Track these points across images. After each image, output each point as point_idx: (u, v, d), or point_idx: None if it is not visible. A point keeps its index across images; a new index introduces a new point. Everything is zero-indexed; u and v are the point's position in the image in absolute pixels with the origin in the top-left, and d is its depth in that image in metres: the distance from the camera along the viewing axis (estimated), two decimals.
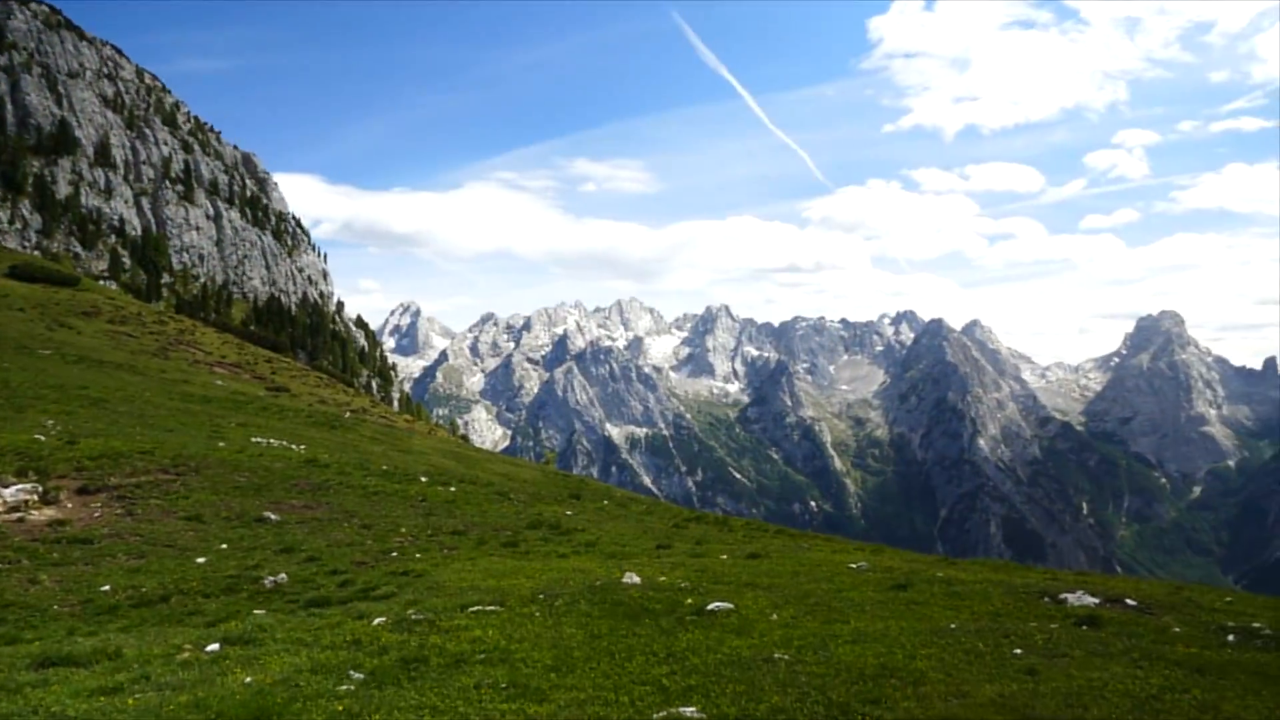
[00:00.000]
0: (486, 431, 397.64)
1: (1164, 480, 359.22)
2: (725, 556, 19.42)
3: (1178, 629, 11.74)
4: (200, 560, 18.26)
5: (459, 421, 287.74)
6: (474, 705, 7.78)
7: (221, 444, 33.70)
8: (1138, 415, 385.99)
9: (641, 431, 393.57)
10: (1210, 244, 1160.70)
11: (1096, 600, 13.44)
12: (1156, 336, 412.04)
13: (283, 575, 17.05)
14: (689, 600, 12.67)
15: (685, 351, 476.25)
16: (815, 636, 10.30)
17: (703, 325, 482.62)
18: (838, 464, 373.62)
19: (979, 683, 7.78)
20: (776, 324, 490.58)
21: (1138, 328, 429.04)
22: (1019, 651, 9.05)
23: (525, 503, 30.27)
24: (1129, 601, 13.46)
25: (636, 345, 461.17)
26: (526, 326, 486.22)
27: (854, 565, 17.71)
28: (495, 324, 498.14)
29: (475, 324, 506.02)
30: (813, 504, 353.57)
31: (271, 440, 37.67)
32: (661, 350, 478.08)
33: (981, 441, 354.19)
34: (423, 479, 32.26)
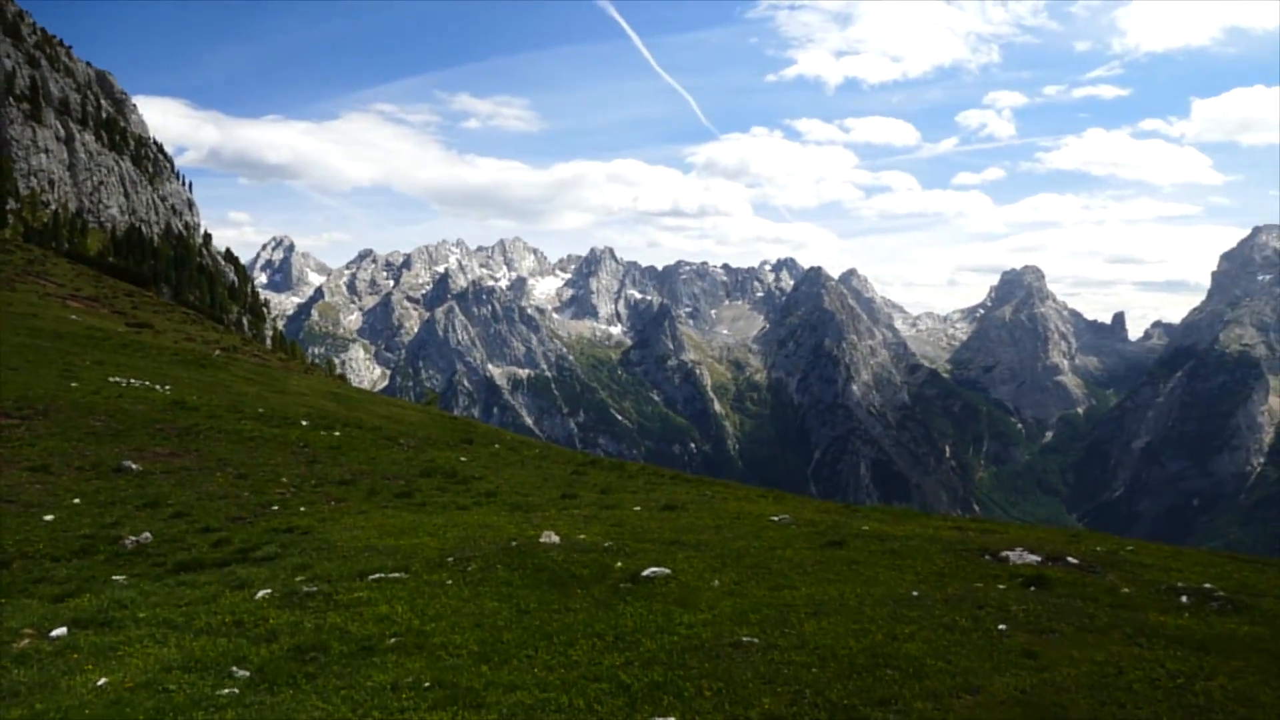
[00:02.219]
0: (365, 371, 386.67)
1: (1020, 425, 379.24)
2: (639, 508, 18.32)
3: (1126, 589, 11.24)
4: (48, 518, 15.95)
5: (336, 361, 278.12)
6: (394, 716, 6.37)
7: (74, 384, 30.55)
8: (999, 364, 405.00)
9: (524, 372, 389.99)
10: (1069, 204, 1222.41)
11: (1038, 558, 12.92)
12: (1018, 290, 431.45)
13: (146, 534, 15.00)
14: (619, 564, 11.46)
15: (569, 293, 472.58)
16: (770, 608, 9.26)
17: (586, 267, 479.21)
18: (717, 407, 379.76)
19: (987, 673, 6.89)
20: (660, 268, 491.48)
21: (1002, 281, 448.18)
22: (1003, 627, 8.21)
23: (416, 448, 28.45)
24: (1070, 560, 12.98)
25: (520, 286, 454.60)
26: (407, 264, 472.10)
27: (776, 518, 16.88)
28: (374, 261, 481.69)
29: (353, 260, 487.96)
30: (692, 445, 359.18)
31: (132, 380, 34.52)
32: (545, 291, 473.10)
33: (855, 387, 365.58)
34: (303, 423, 30.01)
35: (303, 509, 17.75)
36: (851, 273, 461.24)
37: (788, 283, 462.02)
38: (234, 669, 7.48)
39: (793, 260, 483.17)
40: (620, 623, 8.57)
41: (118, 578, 12.41)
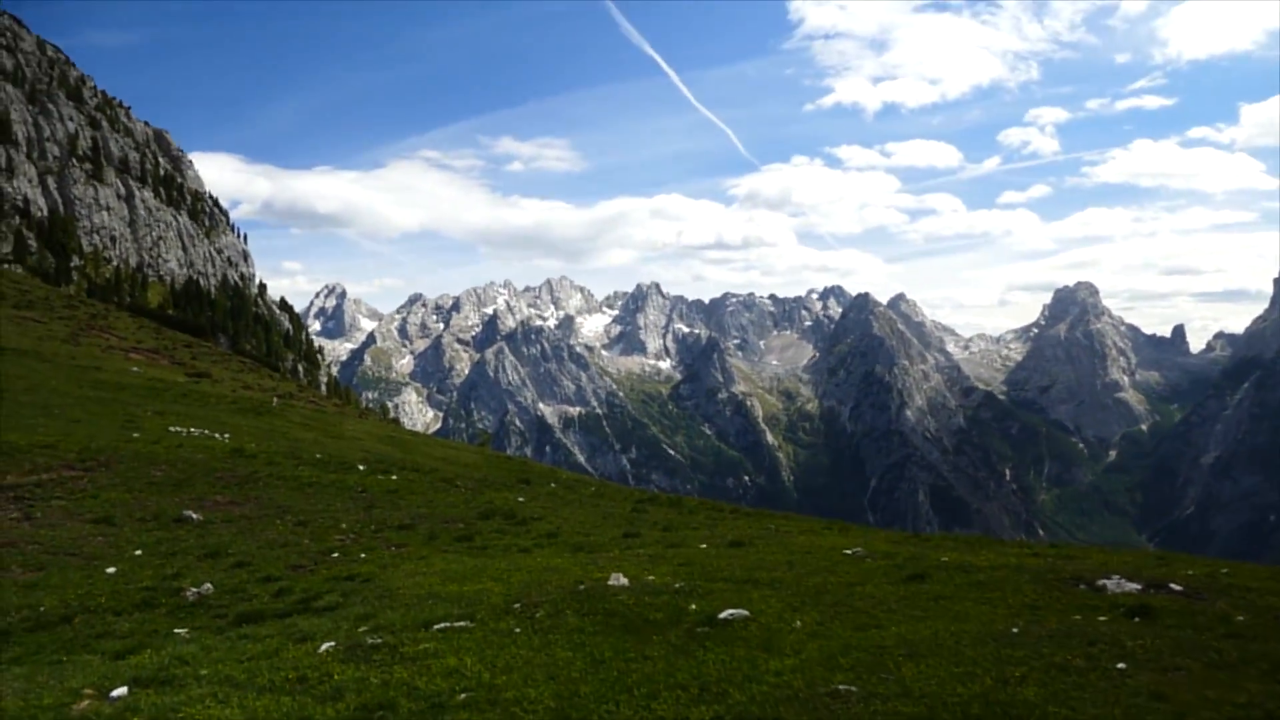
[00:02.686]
0: (418, 414, 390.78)
1: (1081, 445, 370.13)
2: (704, 546, 17.73)
3: (1241, 618, 10.41)
4: (110, 570, 15.86)
5: (389, 405, 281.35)
6: None
7: (136, 435, 30.86)
8: (1056, 383, 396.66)
9: (575, 410, 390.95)
10: (1119, 217, 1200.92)
11: (1138, 586, 12.10)
12: (1072, 307, 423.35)
13: (207, 585, 14.80)
14: (693, 606, 10.91)
15: (616, 330, 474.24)
16: (861, 651, 8.65)
17: (633, 303, 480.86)
18: (769, 438, 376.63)
19: None
20: (706, 301, 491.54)
21: (1055, 299, 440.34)
22: (1123, 666, 7.52)
23: (473, 490, 28.18)
24: (1174, 586, 12.15)
25: (568, 324, 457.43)
26: (455, 307, 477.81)
27: (849, 551, 16.19)
28: (423, 305, 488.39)
29: (403, 305, 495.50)
30: (746, 478, 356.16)
31: (192, 429, 34.85)
32: (593, 329, 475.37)
33: (908, 412, 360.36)
34: (360, 467, 29.94)
35: (363, 555, 17.47)
36: (900, 297, 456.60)
37: (835, 310, 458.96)
38: None
39: (840, 288, 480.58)
40: (703, 671, 8.03)
41: (179, 631, 12.17)
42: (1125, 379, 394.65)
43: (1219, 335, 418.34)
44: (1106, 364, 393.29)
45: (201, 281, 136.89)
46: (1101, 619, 10.62)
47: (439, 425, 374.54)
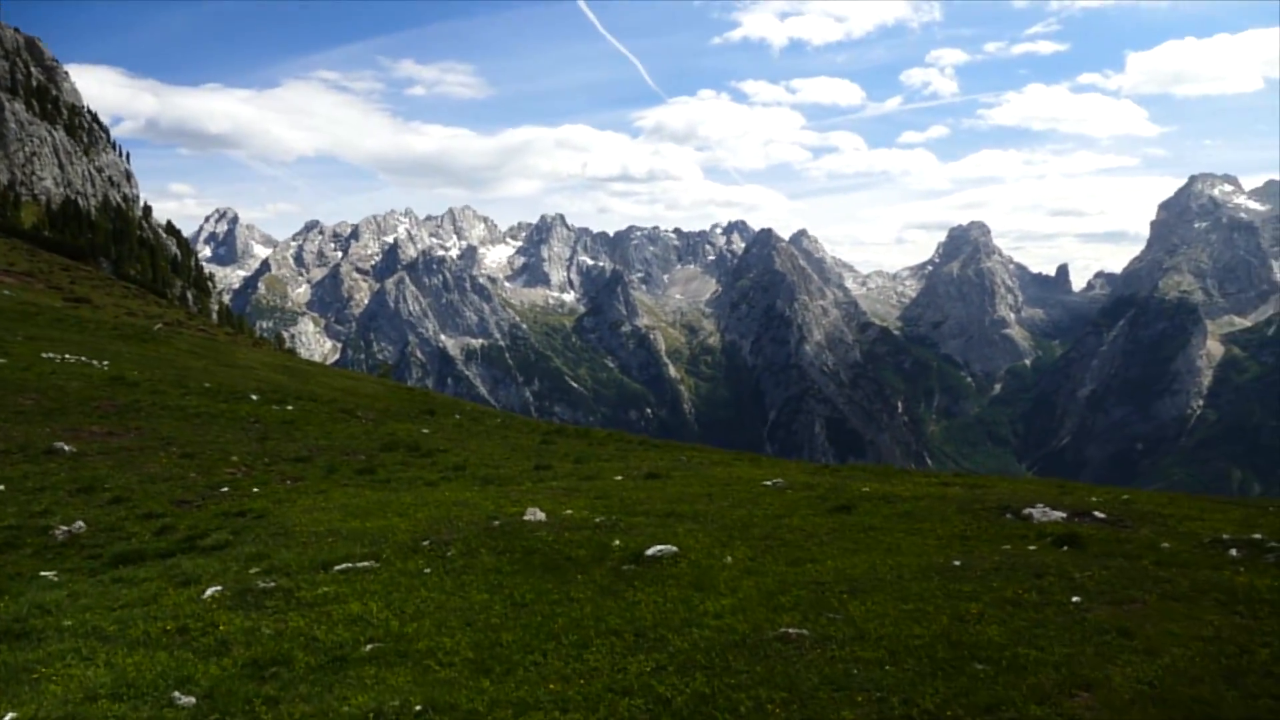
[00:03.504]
0: (315, 344, 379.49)
1: (969, 379, 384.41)
2: (620, 478, 17.13)
3: (1167, 544, 10.33)
4: None
5: (285, 334, 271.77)
6: None
7: (2, 360, 28.48)
8: (948, 319, 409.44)
9: (477, 342, 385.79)
10: (1011, 159, 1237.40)
11: (1063, 514, 11.99)
12: (965, 246, 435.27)
13: (79, 523, 13.46)
14: (616, 542, 10.26)
15: (520, 261, 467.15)
16: (800, 588, 8.14)
17: (537, 234, 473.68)
18: (672, 371, 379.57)
19: (1091, 661, 5.83)
20: (611, 233, 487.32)
21: (949, 237, 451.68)
22: (1078, 599, 7.16)
23: (375, 421, 26.94)
24: (1097, 514, 12.08)
25: (470, 255, 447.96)
26: (354, 235, 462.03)
27: (769, 482, 15.80)
28: (321, 232, 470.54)
29: (299, 232, 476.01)
30: (648, 410, 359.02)
31: (67, 356, 32.43)
32: (496, 260, 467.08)
33: (807, 347, 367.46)
34: (253, 397, 28.29)
35: (256, 490, 16.28)
36: (802, 233, 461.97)
37: (739, 245, 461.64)
38: (176, 694, 6.14)
39: (743, 223, 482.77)
40: (636, 614, 7.38)
41: (46, 574, 10.93)
42: (1012, 316, 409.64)
43: (1099, 274, 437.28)
44: (995, 301, 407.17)
45: (80, 202, 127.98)
46: (1032, 548, 10.41)
47: (338, 356, 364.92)
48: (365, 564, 9.62)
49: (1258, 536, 10.28)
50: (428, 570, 9.31)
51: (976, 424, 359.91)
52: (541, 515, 11.78)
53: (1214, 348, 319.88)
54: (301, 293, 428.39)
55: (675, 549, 9.67)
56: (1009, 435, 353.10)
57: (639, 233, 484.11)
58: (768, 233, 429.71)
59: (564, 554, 9.72)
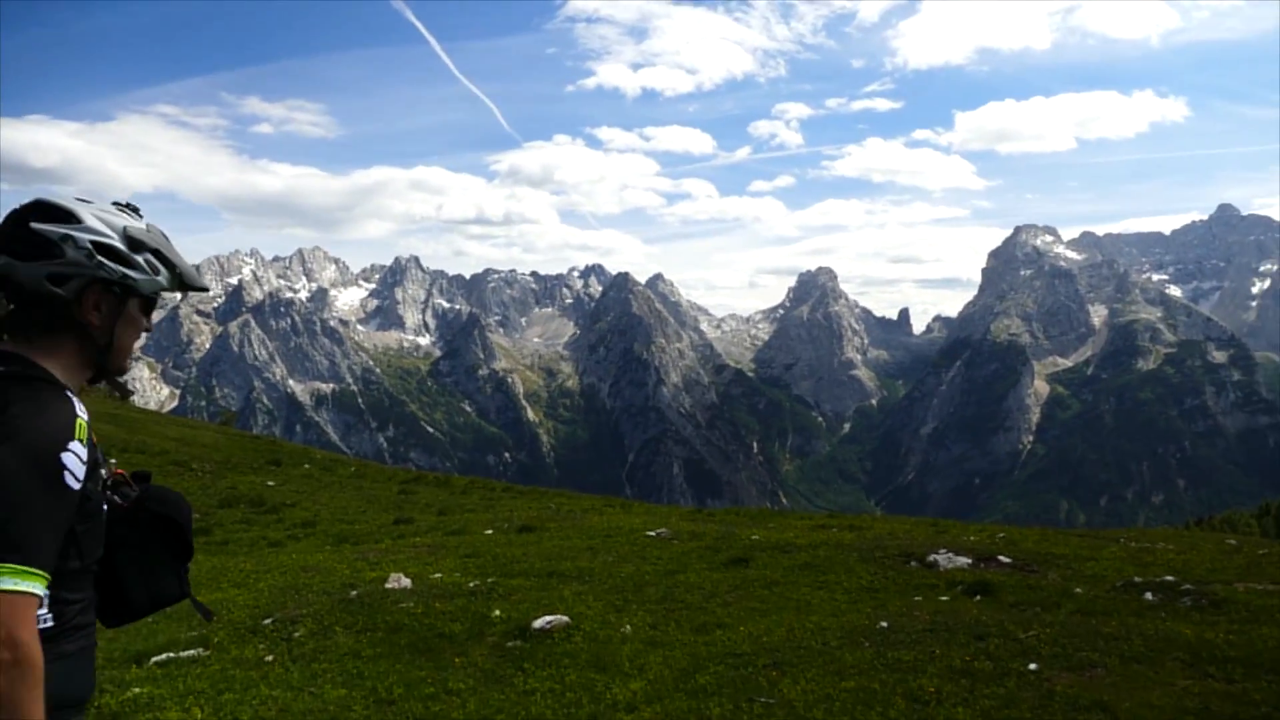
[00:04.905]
0: (151, 391, 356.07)
1: (820, 419, 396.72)
2: (490, 531, 15.72)
3: (1079, 589, 9.88)
4: None
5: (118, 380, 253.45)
6: None
7: None
8: (799, 361, 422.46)
9: (328, 387, 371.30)
10: (854, 208, 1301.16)
11: (969, 560, 11.43)
12: (814, 290, 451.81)
13: None
14: (496, 612, 8.92)
15: (374, 304, 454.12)
16: (716, 663, 7.07)
17: (391, 277, 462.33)
18: (530, 414, 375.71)
19: None
20: (468, 276, 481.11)
21: (798, 282, 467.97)
22: (1034, 667, 6.36)
23: (213, 473, 24.48)
24: (1002, 559, 11.58)
25: (321, 297, 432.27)
26: None
27: (652, 533, 14.73)
28: None
29: None
30: (507, 455, 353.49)
31: None
32: (348, 302, 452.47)
33: (665, 389, 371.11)
34: None
35: None
36: (658, 277, 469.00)
37: (596, 289, 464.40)
38: None
39: (600, 266, 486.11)
40: (532, 711, 6.09)
41: None
42: (859, 357, 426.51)
43: (937, 318, 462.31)
44: (843, 344, 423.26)
45: None
46: (945, 598, 9.75)
47: (176, 403, 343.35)
48: (191, 652, 7.95)
49: (1170, 579, 9.93)
50: (270, 658, 7.74)
51: (829, 462, 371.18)
52: (406, 581, 10.31)
53: (1040, 387, 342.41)
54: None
55: (566, 618, 8.44)
56: (859, 472, 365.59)
57: (496, 275, 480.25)
58: (624, 276, 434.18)
59: (436, 630, 8.33)
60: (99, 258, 2.24)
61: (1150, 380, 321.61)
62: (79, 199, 2.31)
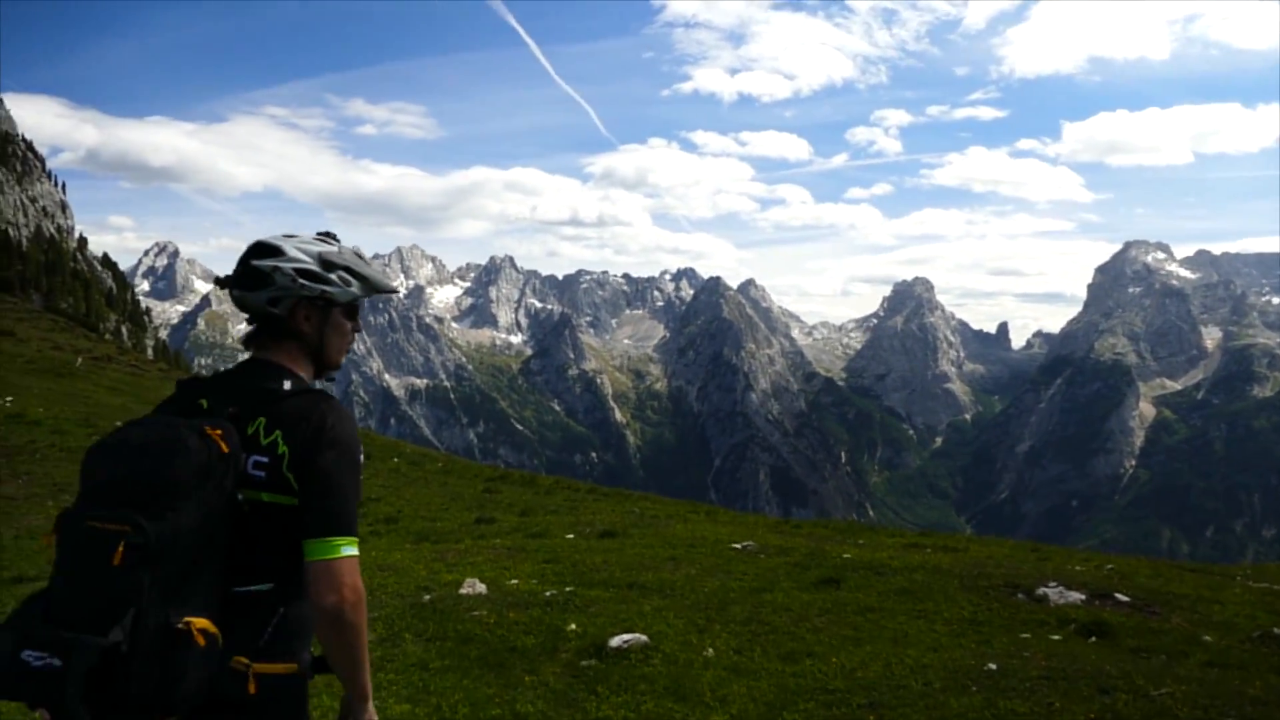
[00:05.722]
0: None
1: (911, 431, 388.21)
2: (571, 536, 15.36)
3: (1208, 638, 8.95)
4: None
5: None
6: None
7: None
8: (891, 372, 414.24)
9: (422, 383, 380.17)
10: (953, 218, 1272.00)
11: (1083, 597, 10.54)
12: (909, 301, 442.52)
13: None
14: (572, 626, 8.50)
15: (468, 302, 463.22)
16: (805, 698, 6.50)
17: (486, 276, 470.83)
18: (618, 416, 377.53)
19: None
20: (560, 277, 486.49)
21: (894, 292, 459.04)
22: None
23: None
24: (1120, 597, 10.65)
25: (417, 294, 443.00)
26: None
27: (738, 545, 14.15)
28: None
29: None
30: (593, 454, 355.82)
31: None
32: (443, 300, 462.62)
33: (753, 395, 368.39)
34: None
35: None
36: (749, 283, 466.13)
37: (687, 292, 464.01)
38: None
39: (692, 270, 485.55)
40: None
41: None
42: (953, 370, 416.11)
43: (1038, 334, 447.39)
44: (938, 356, 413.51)
45: (11, 232, 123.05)
46: (1056, 638, 8.94)
47: None
48: None
49: None
50: None
51: (918, 476, 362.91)
52: (482, 587, 9.98)
53: (1146, 409, 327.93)
54: (243, 330, 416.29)
55: (645, 638, 7.96)
56: (949, 488, 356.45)
57: (588, 277, 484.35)
58: (716, 280, 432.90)
59: (508, 643, 7.94)
60: (300, 280, 2.85)
61: (1266, 408, 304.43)
62: (285, 235, 2.93)
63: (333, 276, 2.92)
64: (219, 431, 2.54)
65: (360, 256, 3.01)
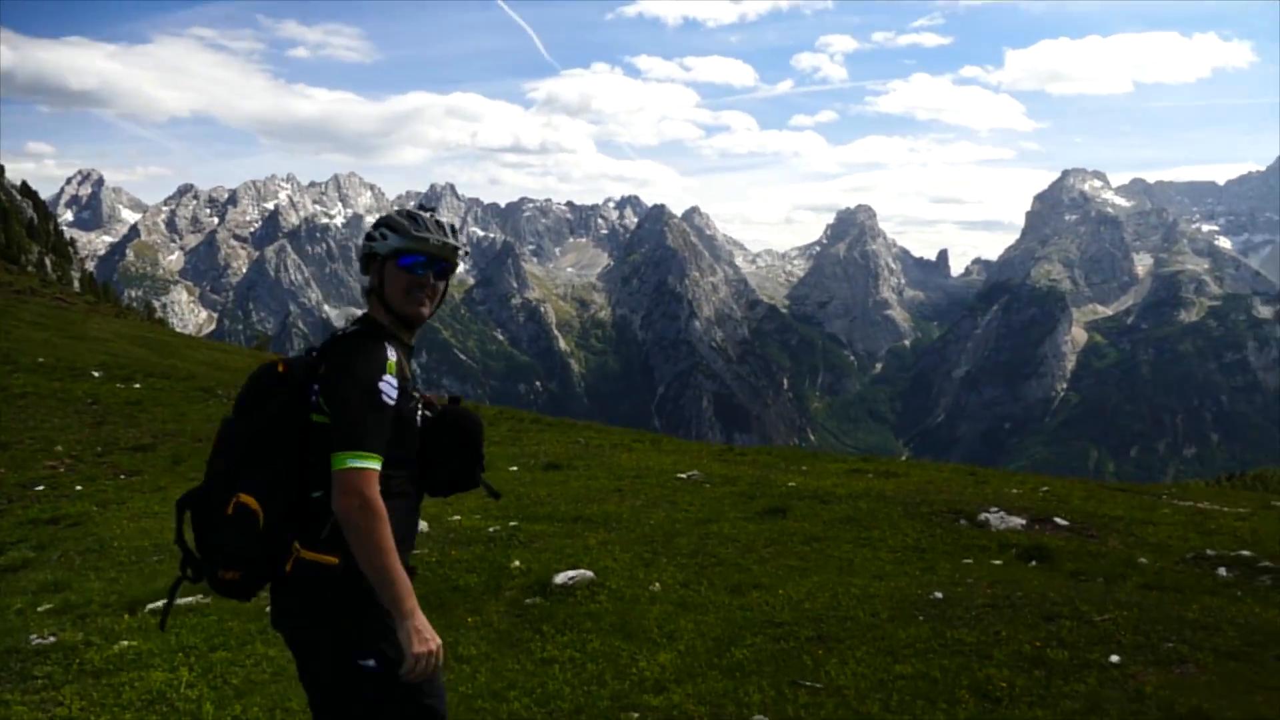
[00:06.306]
0: (189, 314, 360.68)
1: (852, 358, 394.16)
2: (515, 468, 15.17)
3: (1144, 559, 9.11)
4: None
5: (156, 304, 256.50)
6: None
7: None
8: (834, 299, 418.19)
9: (362, 313, 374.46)
10: (896, 146, 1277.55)
11: (1023, 521, 10.67)
12: (852, 228, 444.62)
13: None
14: (516, 562, 8.33)
15: None
16: (754, 632, 6.43)
17: (426, 204, 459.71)
18: (562, 344, 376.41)
19: None
20: (503, 205, 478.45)
21: (837, 219, 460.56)
22: (1117, 659, 5.60)
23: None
24: (1058, 521, 10.82)
25: (356, 223, 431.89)
26: (232, 201, 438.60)
27: (684, 475, 14.11)
28: (196, 197, 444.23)
29: (172, 196, 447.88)
30: (537, 384, 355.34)
31: None
32: None
33: (697, 323, 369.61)
34: (95, 374, 25.00)
35: (79, 488, 13.66)
36: (694, 210, 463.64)
37: (631, 220, 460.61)
38: None
39: (636, 198, 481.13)
40: (549, 688, 5.47)
41: None
42: (894, 297, 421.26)
43: (976, 260, 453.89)
44: (879, 283, 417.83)
45: None
46: (998, 563, 9.04)
47: (213, 327, 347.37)
48: (190, 600, 7.43)
49: (1245, 554, 9.12)
50: None
51: (858, 401, 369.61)
52: (423, 524, 9.75)
53: (1078, 334, 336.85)
54: (174, 260, 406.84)
55: (591, 574, 7.82)
56: (888, 413, 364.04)
57: (531, 205, 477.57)
58: (660, 208, 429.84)
59: (450, 582, 7.75)
60: (365, 243, 3.46)
61: (1191, 332, 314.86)
62: (398, 210, 3.50)
63: (375, 233, 3.43)
64: (283, 363, 3.23)
65: (412, 216, 3.46)
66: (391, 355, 3.22)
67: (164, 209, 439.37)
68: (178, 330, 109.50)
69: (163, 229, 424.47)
